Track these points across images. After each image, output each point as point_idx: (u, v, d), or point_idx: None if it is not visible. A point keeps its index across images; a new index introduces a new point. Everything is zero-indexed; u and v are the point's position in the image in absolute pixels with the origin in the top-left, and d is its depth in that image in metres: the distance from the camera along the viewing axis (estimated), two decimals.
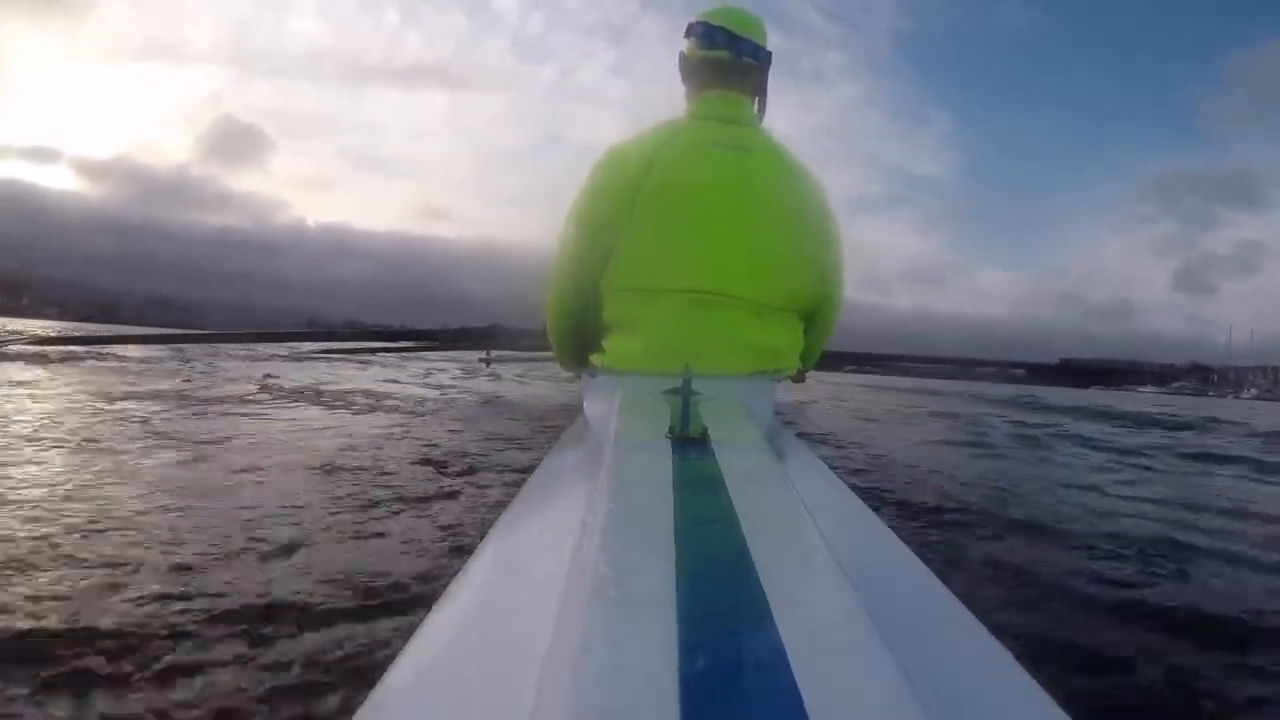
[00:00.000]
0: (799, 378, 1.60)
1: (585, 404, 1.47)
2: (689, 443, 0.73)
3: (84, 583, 1.06)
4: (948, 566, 1.45)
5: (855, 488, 1.31)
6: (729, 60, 1.34)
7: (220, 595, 1.04)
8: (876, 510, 0.86)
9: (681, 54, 1.40)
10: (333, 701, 0.77)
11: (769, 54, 1.38)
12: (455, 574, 0.61)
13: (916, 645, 0.42)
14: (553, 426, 2.87)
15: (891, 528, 0.75)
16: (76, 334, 7.11)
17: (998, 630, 0.50)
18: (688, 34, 1.39)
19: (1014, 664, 0.48)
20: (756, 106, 1.41)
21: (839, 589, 0.41)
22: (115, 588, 1.04)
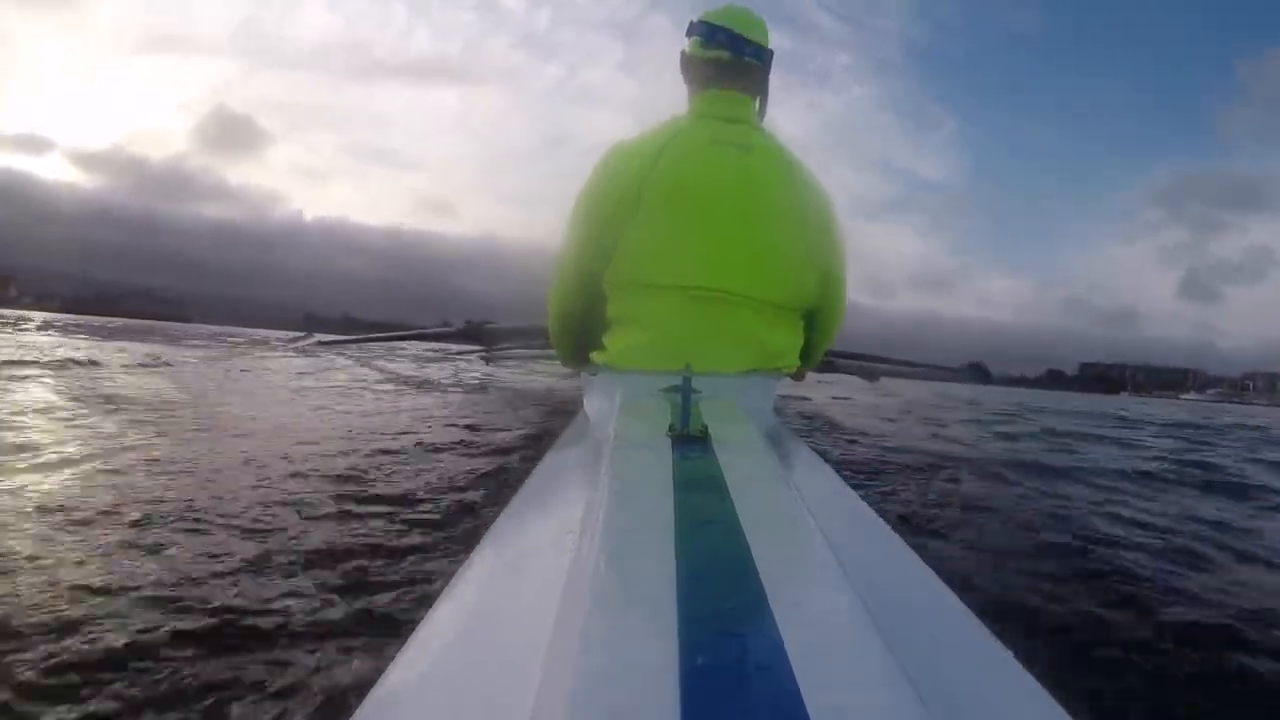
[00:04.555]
0: (798, 375, 1.60)
1: (586, 402, 1.48)
2: (689, 441, 0.73)
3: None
4: None
5: (858, 486, 1.31)
6: (730, 60, 1.35)
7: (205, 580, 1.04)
8: (883, 513, 0.86)
9: (683, 53, 1.41)
10: (330, 700, 0.77)
11: (770, 53, 1.39)
12: (455, 572, 0.61)
13: (916, 644, 0.42)
14: (553, 425, 2.87)
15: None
16: None
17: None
18: (689, 33, 1.40)
19: (1014, 663, 0.47)
20: (757, 105, 1.41)
21: (839, 588, 0.41)
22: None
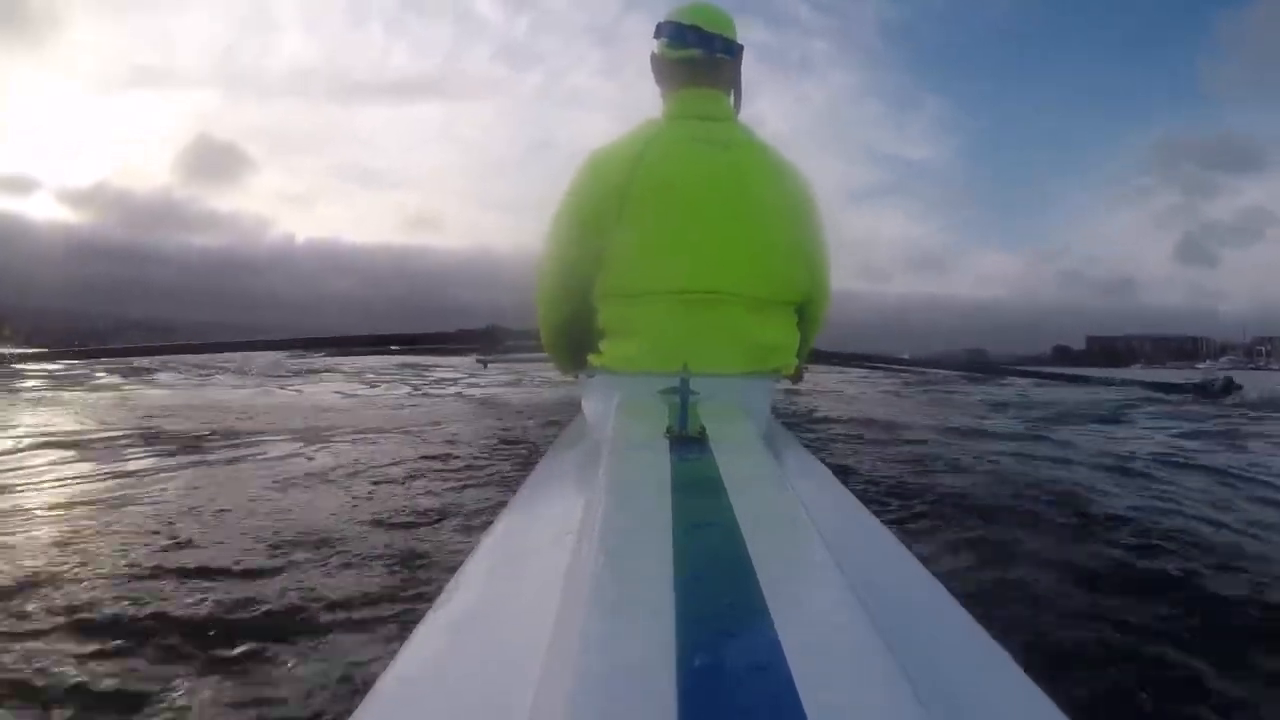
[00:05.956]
0: (797, 377, 1.60)
1: (583, 404, 1.47)
2: (687, 442, 0.73)
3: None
4: None
5: (853, 487, 1.31)
6: (701, 58, 1.34)
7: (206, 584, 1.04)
8: (881, 513, 0.86)
9: (653, 54, 1.40)
10: (328, 703, 0.77)
11: (740, 47, 1.38)
12: (453, 573, 0.61)
13: (915, 645, 0.42)
14: (550, 427, 2.87)
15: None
16: None
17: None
18: (657, 34, 1.39)
19: (1012, 664, 0.48)
20: (732, 99, 1.40)
21: (837, 589, 0.41)
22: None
